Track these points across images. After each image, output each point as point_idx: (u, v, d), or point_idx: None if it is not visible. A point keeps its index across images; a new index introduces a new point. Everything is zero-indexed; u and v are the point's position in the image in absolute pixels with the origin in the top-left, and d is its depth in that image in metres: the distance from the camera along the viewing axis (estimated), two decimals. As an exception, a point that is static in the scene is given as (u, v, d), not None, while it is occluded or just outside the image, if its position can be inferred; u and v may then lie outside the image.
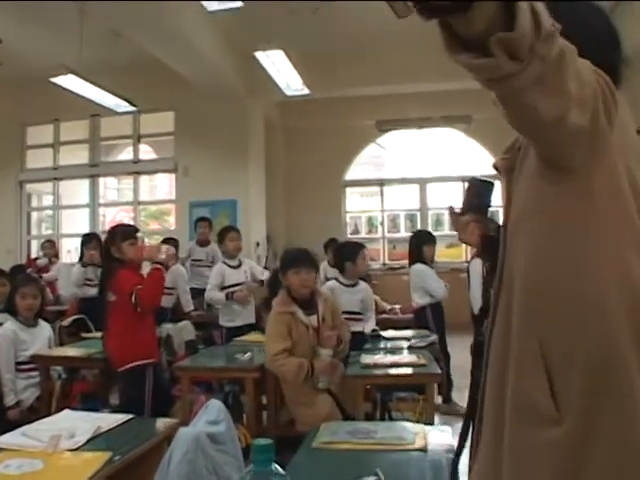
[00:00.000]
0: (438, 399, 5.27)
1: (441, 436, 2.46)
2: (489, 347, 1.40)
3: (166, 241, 6.79)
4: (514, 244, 1.37)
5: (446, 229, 11.09)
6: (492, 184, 1.80)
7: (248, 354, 4.18)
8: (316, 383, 3.66)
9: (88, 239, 7.18)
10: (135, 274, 4.06)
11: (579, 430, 1.15)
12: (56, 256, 8.90)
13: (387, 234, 12.01)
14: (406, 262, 11.11)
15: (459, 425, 4.43)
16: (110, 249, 4.16)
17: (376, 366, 3.89)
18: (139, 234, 4.14)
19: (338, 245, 6.29)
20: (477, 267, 5.83)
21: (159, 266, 4.05)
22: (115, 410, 3.98)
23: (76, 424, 2.59)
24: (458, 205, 1.88)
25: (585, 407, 1.15)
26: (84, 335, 5.53)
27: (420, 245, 5.93)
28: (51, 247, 8.83)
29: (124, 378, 4.13)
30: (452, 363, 5.83)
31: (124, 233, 4.16)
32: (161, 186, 14.11)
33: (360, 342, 4.59)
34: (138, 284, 3.96)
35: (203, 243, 7.85)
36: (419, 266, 5.82)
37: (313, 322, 3.77)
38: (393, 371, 3.84)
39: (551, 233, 1.26)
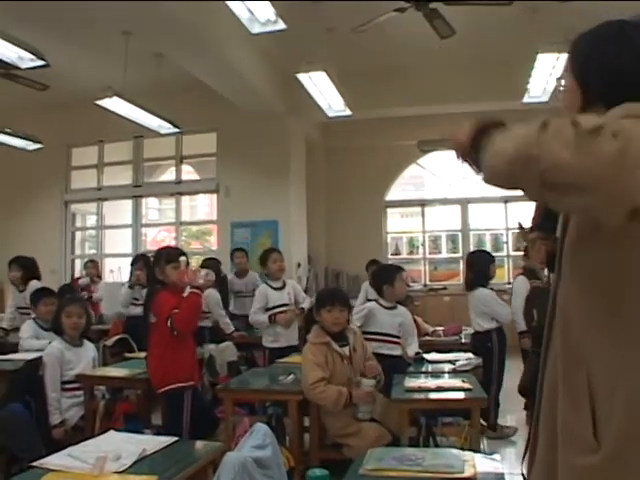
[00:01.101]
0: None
1: (491, 464, 2.41)
2: (544, 372, 1.43)
3: (208, 261, 6.81)
4: (566, 272, 1.39)
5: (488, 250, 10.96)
6: None
7: (291, 376, 4.16)
8: (356, 413, 3.70)
9: (135, 260, 7.26)
10: (175, 297, 4.04)
11: (616, 456, 1.23)
12: (98, 276, 9.00)
13: (428, 255, 11.91)
14: (447, 283, 11.25)
15: (507, 450, 4.38)
16: (154, 271, 4.21)
17: (420, 390, 3.85)
18: (182, 258, 4.13)
19: (376, 269, 6.23)
20: (521, 286, 5.78)
21: (197, 291, 4.03)
22: (157, 431, 3.99)
23: (121, 446, 2.59)
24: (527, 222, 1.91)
25: (622, 436, 1.23)
26: (127, 355, 5.55)
27: (481, 266, 5.82)
28: (93, 267, 8.94)
29: (164, 400, 4.14)
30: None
31: (168, 256, 4.18)
32: (201, 206, 14.25)
33: (397, 366, 4.54)
34: (176, 308, 3.96)
35: (241, 274, 7.78)
36: (482, 291, 5.69)
37: (346, 352, 3.92)
38: (438, 395, 3.78)
39: (597, 271, 1.32)
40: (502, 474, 2.30)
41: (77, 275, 9.97)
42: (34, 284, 6.62)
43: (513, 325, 5.83)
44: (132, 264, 7.25)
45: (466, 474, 2.24)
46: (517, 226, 1.63)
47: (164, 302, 4.02)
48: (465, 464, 2.33)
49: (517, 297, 5.79)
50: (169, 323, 3.92)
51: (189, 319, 4.05)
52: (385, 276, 5.15)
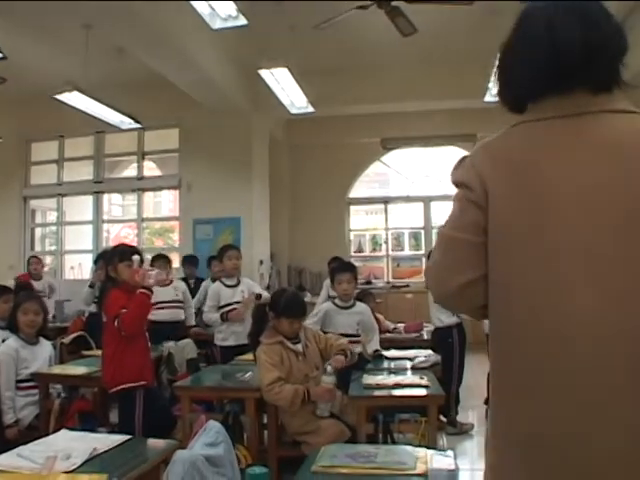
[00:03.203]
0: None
1: (444, 460, 2.41)
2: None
3: (157, 258, 6.73)
4: None
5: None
6: None
7: (249, 373, 4.14)
8: (315, 410, 3.71)
9: (97, 258, 7.20)
10: (126, 296, 3.95)
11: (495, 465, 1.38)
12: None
13: (391, 252, 11.96)
14: (410, 280, 11.30)
15: (467, 446, 4.42)
16: (108, 268, 4.16)
17: (378, 387, 3.85)
18: (135, 256, 4.05)
19: (332, 267, 6.23)
20: None
21: (146, 291, 3.94)
22: (112, 430, 3.95)
23: (72, 445, 2.55)
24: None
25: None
26: (84, 353, 5.49)
27: None
28: (37, 262, 8.78)
29: (116, 399, 4.10)
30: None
31: (121, 254, 4.11)
32: (165, 202, 14.14)
33: (356, 364, 4.53)
34: (125, 307, 3.89)
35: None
36: None
37: (300, 349, 3.92)
38: (396, 392, 3.79)
39: None
40: (454, 470, 2.30)
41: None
42: None
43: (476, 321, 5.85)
44: (95, 262, 7.18)
45: (417, 470, 2.25)
46: None
47: (113, 301, 3.96)
48: (417, 461, 2.34)
49: None
50: (116, 323, 3.85)
51: (136, 319, 3.95)
52: (331, 276, 5.19)
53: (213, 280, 7.17)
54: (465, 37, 8.04)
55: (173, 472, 1.99)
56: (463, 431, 5.60)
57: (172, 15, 6.60)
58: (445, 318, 5.67)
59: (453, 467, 2.35)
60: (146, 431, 3.74)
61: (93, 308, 6.98)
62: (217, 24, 5.69)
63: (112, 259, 4.13)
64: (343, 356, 3.93)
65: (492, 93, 8.12)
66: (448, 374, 5.52)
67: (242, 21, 5.64)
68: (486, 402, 6.00)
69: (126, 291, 3.97)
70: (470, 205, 1.38)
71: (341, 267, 5.30)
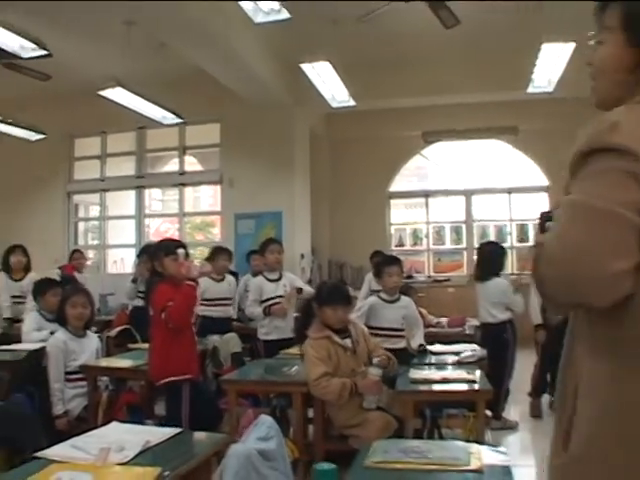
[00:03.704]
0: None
1: (497, 457, 2.38)
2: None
3: (219, 251, 6.76)
4: None
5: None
6: None
7: (295, 368, 4.14)
8: (362, 403, 3.68)
9: (141, 253, 7.25)
10: (172, 290, 3.99)
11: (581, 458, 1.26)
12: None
13: (432, 246, 11.88)
14: (451, 274, 11.23)
15: (510, 442, 4.38)
16: (154, 263, 4.20)
17: (425, 382, 3.82)
18: (180, 250, 4.09)
19: (378, 260, 6.20)
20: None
21: (192, 283, 4.00)
22: (159, 422, 3.98)
23: (125, 437, 2.57)
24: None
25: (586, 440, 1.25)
26: (130, 346, 5.54)
27: (494, 257, 5.82)
28: (81, 257, 8.90)
29: (163, 392, 4.13)
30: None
31: (166, 248, 4.16)
32: (204, 197, 14.22)
33: (401, 359, 4.50)
34: (172, 300, 3.93)
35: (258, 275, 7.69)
36: (498, 280, 5.68)
37: (348, 344, 3.88)
38: (443, 387, 3.76)
39: None
40: (508, 467, 2.27)
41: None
42: (33, 275, 6.64)
43: (526, 317, 5.84)
44: (137, 256, 7.25)
45: (472, 466, 2.22)
46: (538, 217, 1.60)
47: (160, 294, 4.00)
48: (471, 456, 2.30)
49: (534, 290, 5.75)
50: (163, 315, 3.90)
51: (183, 311, 4.02)
52: (376, 269, 5.16)
53: (253, 274, 7.20)
54: (508, 28, 7.93)
55: (229, 466, 2.00)
56: (507, 427, 5.54)
57: (214, 10, 6.62)
58: (499, 314, 5.60)
59: (507, 463, 2.32)
60: (193, 424, 3.76)
61: (137, 302, 7.04)
62: (260, 18, 5.70)
63: (157, 254, 4.18)
64: (387, 359, 3.89)
65: (535, 84, 8.02)
66: (500, 369, 5.46)
67: (285, 15, 5.64)
68: (530, 394, 5.96)
69: (172, 285, 4.00)
70: (629, 177, 1.16)
71: (389, 260, 5.26)
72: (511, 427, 5.55)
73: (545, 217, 1.43)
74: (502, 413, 5.59)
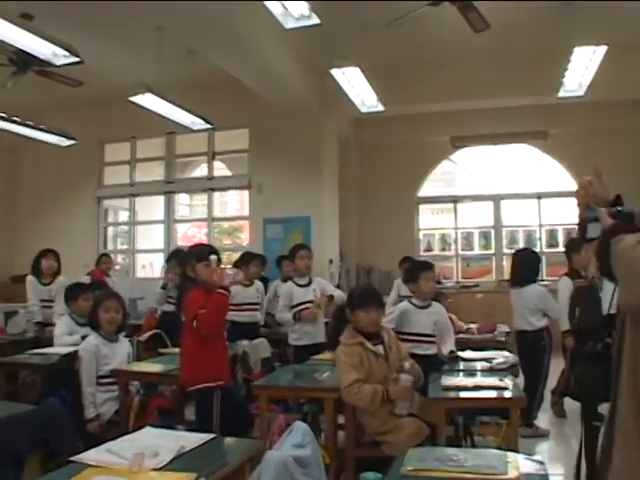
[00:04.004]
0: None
1: (534, 466, 2.34)
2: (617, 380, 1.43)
3: (253, 257, 6.81)
4: None
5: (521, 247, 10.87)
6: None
7: (326, 373, 4.13)
8: (394, 409, 3.66)
9: (169, 258, 7.28)
10: (204, 296, 3.98)
11: None
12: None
13: (460, 252, 11.82)
14: (480, 280, 11.16)
15: (539, 450, 4.33)
16: (186, 268, 4.19)
17: (458, 388, 3.78)
18: (213, 256, 4.08)
19: (407, 266, 6.18)
20: (565, 286, 5.78)
21: (224, 292, 3.98)
22: (190, 427, 3.98)
23: (159, 442, 2.57)
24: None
25: None
26: (161, 350, 5.57)
27: (530, 263, 5.87)
28: (110, 261, 8.98)
29: (194, 398, 4.12)
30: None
31: (199, 254, 4.14)
32: (231, 202, 14.29)
33: (432, 365, 4.48)
34: (203, 307, 3.92)
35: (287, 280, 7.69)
36: (536, 287, 5.72)
37: (380, 351, 3.83)
38: (476, 394, 3.72)
39: None
40: (546, 475, 2.24)
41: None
42: (62, 279, 6.71)
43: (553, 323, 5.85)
44: (166, 261, 7.29)
45: (510, 475, 2.19)
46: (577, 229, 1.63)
47: (192, 301, 4.00)
48: (508, 465, 2.28)
49: (562, 297, 5.80)
50: (195, 323, 3.90)
51: (214, 320, 4.01)
52: (410, 274, 5.11)
53: (284, 280, 7.21)
54: (537, 32, 7.88)
55: (265, 472, 1.99)
56: (538, 434, 5.49)
57: (243, 15, 6.64)
58: (536, 321, 5.61)
59: (544, 472, 2.29)
60: (224, 429, 3.76)
61: (166, 307, 7.08)
62: (290, 24, 5.70)
63: (189, 259, 4.17)
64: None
65: (566, 88, 7.95)
66: (536, 377, 5.50)
67: (315, 20, 5.63)
68: (553, 392, 6.09)
69: (205, 291, 4.00)
70: None
71: (426, 265, 5.21)
72: (542, 435, 5.50)
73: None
74: (534, 421, 5.55)
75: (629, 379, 1.47)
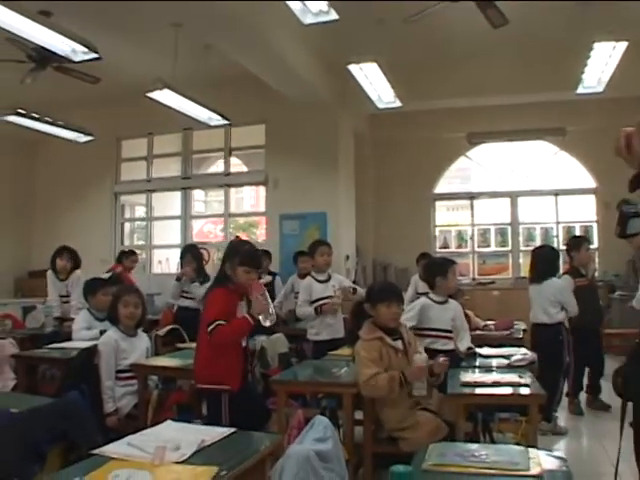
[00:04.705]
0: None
1: (556, 462, 2.33)
2: None
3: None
4: None
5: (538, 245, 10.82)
6: None
7: (345, 369, 4.13)
8: (411, 390, 3.68)
9: (183, 253, 7.26)
10: (226, 298, 3.84)
11: None
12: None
13: (477, 248, 11.78)
14: (496, 277, 11.12)
15: (558, 447, 4.32)
16: (225, 263, 3.98)
17: (476, 385, 3.77)
18: (266, 278, 3.94)
19: (428, 261, 6.17)
20: (568, 284, 5.92)
21: (250, 319, 3.76)
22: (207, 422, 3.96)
23: (180, 436, 2.58)
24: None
25: None
26: (179, 345, 5.58)
27: (549, 260, 5.90)
28: (135, 259, 8.99)
29: (204, 395, 4.04)
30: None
31: (247, 259, 3.93)
32: (247, 198, 14.31)
33: (450, 361, 4.46)
34: (225, 315, 3.77)
35: (304, 277, 7.69)
36: (556, 281, 5.79)
37: (400, 346, 3.84)
38: (495, 390, 3.70)
39: None
40: (569, 472, 2.23)
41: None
42: (78, 274, 6.76)
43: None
44: (181, 257, 7.28)
45: (532, 472, 2.18)
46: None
47: (213, 301, 3.85)
48: (531, 461, 2.26)
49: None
50: (209, 329, 3.71)
51: (229, 339, 3.83)
52: (438, 269, 5.06)
53: (300, 276, 7.22)
54: (556, 28, 7.84)
55: (288, 467, 1.99)
56: (557, 431, 5.48)
57: (260, 10, 6.65)
58: (555, 313, 5.65)
59: (566, 469, 2.27)
60: (242, 423, 3.75)
61: (182, 302, 7.07)
62: (308, 19, 5.70)
63: (233, 257, 3.95)
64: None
65: (585, 84, 7.90)
66: (556, 371, 5.50)
67: (333, 16, 5.63)
68: (567, 395, 6.12)
69: (230, 291, 3.87)
70: None
71: (447, 261, 5.24)
72: (560, 433, 5.49)
73: None
74: (554, 416, 5.56)
75: None
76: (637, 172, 1.95)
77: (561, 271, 6.30)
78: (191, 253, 7.07)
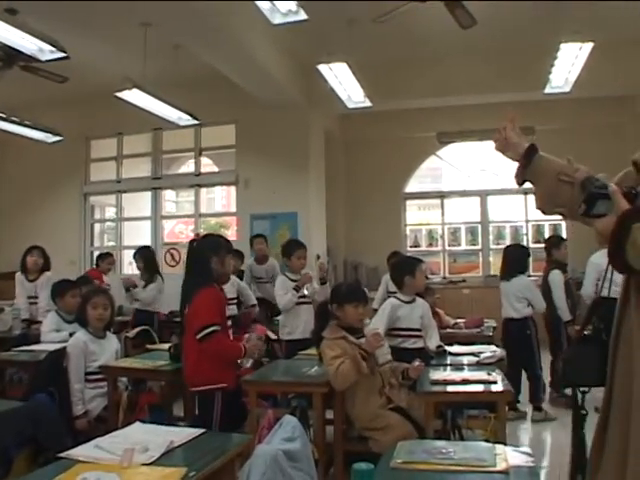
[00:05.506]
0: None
1: (522, 458, 2.36)
2: (614, 359, 1.47)
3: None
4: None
5: (508, 243, 10.94)
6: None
7: (315, 368, 4.13)
8: (377, 361, 3.90)
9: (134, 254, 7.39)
10: (220, 301, 3.93)
11: None
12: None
13: (447, 247, 11.86)
14: (467, 275, 11.20)
15: (527, 441, 4.35)
16: (210, 258, 3.98)
17: (446, 382, 3.80)
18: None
19: (396, 260, 6.22)
20: (558, 279, 6.27)
21: (244, 349, 3.91)
22: (181, 422, 3.96)
23: (148, 438, 2.57)
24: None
25: None
26: (149, 347, 5.55)
27: (519, 258, 6.21)
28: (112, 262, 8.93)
29: (196, 397, 4.09)
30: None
31: (229, 248, 4.13)
32: (218, 199, 14.26)
33: (421, 359, 4.49)
34: (217, 316, 3.84)
35: (261, 260, 7.77)
36: (523, 278, 6.08)
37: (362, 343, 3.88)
38: (464, 388, 3.74)
39: None
40: (535, 467, 2.26)
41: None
42: (48, 275, 6.68)
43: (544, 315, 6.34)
44: (134, 257, 7.35)
45: (498, 467, 2.20)
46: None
47: (207, 304, 3.84)
48: (497, 457, 2.29)
49: (557, 289, 6.21)
50: (200, 334, 3.75)
51: (221, 352, 3.90)
52: (406, 268, 5.09)
53: (257, 260, 7.73)
54: (523, 28, 7.92)
55: (255, 466, 2.00)
56: (547, 419, 5.77)
57: (229, 10, 6.62)
58: (522, 308, 5.95)
59: (532, 464, 2.30)
60: (228, 422, 3.74)
61: (134, 304, 7.12)
62: (277, 19, 5.69)
63: (217, 250, 4.02)
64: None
65: (553, 84, 7.99)
66: (530, 360, 5.92)
67: (302, 16, 5.62)
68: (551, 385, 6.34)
69: (217, 290, 3.97)
70: None
71: (415, 260, 5.29)
72: (551, 419, 5.77)
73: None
74: (542, 404, 5.89)
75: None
76: (519, 164, 2.17)
77: (531, 269, 6.59)
78: (139, 253, 7.20)
